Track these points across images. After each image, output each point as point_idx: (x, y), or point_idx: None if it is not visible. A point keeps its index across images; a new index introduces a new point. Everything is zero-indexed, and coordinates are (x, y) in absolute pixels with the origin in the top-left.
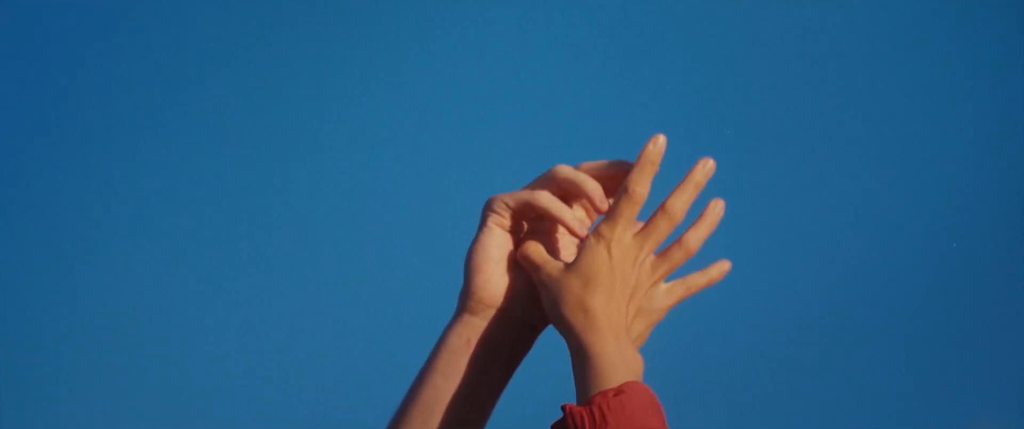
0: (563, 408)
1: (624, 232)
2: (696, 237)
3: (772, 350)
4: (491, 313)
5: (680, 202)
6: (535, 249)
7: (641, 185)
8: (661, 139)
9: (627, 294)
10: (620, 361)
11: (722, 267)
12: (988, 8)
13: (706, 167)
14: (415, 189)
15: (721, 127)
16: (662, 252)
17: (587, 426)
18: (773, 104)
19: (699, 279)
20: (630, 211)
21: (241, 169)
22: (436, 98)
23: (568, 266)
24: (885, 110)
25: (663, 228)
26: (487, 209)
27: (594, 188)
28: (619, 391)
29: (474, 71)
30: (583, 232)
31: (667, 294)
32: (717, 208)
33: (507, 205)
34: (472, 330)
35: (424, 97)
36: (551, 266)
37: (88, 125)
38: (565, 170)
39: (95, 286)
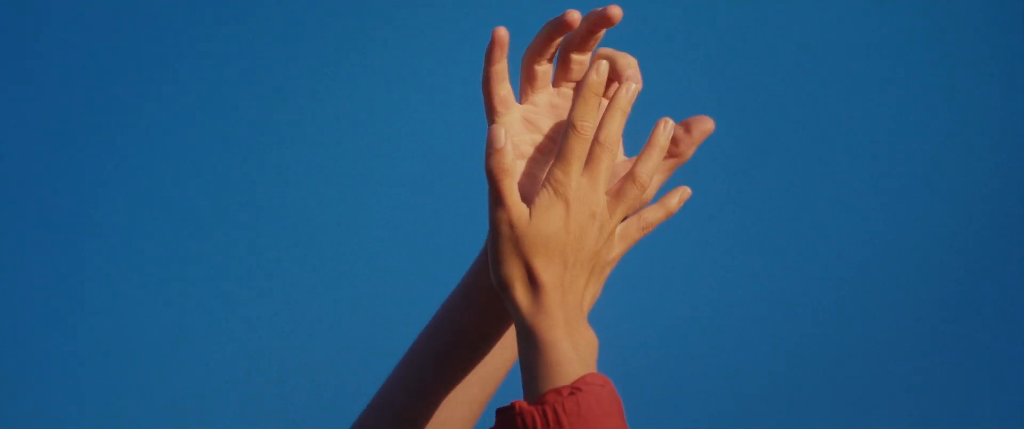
0: (514, 405)
1: (580, 177)
2: (646, 169)
3: (771, 352)
4: None
5: (615, 128)
6: (509, 172)
7: (589, 119)
8: (603, 66)
9: (587, 260)
10: (575, 351)
11: (682, 194)
12: (989, 7)
13: (629, 91)
14: (413, 187)
15: (724, 123)
16: (614, 192)
17: (540, 428)
18: (775, 101)
19: (656, 213)
20: (581, 149)
21: (235, 165)
22: (435, 95)
23: (530, 216)
24: (887, 108)
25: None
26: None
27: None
28: (575, 389)
29: (472, 68)
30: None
31: (620, 239)
32: (665, 129)
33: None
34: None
35: (422, 94)
36: (517, 211)
37: (75, 119)
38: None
39: (81, 284)
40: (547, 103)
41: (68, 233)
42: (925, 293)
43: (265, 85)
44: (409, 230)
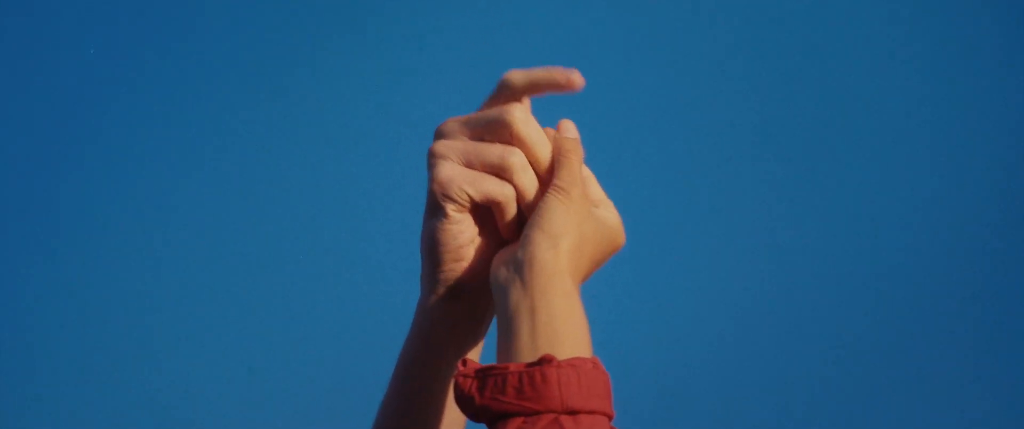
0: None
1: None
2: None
3: (774, 354)
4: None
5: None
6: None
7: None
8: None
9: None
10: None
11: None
12: (990, 7)
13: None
14: (410, 185)
15: (720, 124)
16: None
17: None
18: (776, 100)
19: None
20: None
21: (233, 165)
22: (434, 93)
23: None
24: (889, 109)
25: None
26: (443, 194)
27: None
28: (575, 362)
29: (471, 67)
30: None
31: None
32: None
33: (467, 193)
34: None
35: (422, 92)
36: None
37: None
38: (517, 76)
39: (75, 284)
40: None
41: (68, 233)
42: (934, 294)
43: (265, 83)
44: (409, 230)
